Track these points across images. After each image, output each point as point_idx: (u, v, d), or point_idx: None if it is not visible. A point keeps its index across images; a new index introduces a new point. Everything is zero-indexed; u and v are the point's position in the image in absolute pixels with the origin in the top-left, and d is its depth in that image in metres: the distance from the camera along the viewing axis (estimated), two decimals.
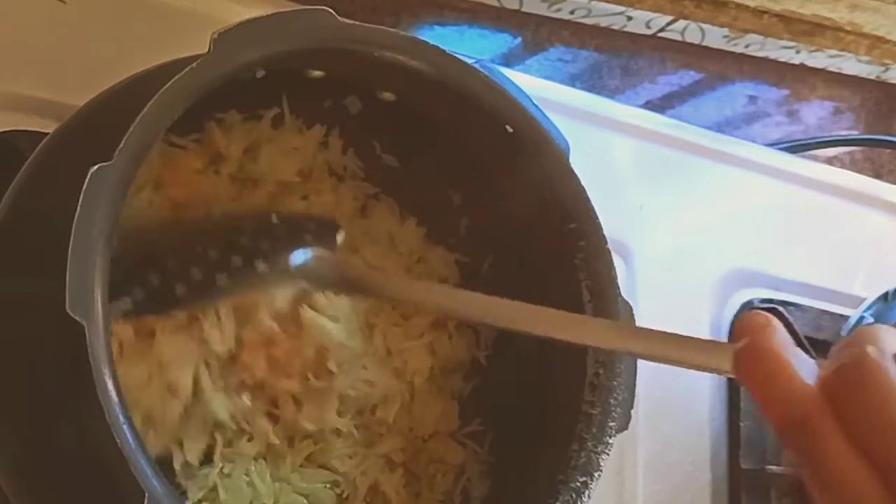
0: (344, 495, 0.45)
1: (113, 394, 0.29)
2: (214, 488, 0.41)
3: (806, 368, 0.29)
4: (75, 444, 0.36)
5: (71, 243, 0.29)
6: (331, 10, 0.38)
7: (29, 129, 0.45)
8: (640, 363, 0.44)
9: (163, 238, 0.41)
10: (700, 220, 0.66)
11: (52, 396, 0.35)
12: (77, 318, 0.28)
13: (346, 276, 0.41)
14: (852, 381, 0.28)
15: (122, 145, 0.31)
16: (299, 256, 0.41)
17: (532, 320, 0.36)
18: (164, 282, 0.38)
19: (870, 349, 0.28)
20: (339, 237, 0.43)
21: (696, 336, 0.31)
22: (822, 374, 0.29)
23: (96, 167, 0.30)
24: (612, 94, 0.71)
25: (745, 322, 0.30)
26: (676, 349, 0.32)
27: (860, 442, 0.27)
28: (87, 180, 0.30)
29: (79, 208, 0.29)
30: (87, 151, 0.31)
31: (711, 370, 0.31)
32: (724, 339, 0.64)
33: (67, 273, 0.29)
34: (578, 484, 0.39)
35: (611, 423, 0.41)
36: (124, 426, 0.29)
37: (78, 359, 0.29)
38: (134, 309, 0.37)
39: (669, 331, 0.32)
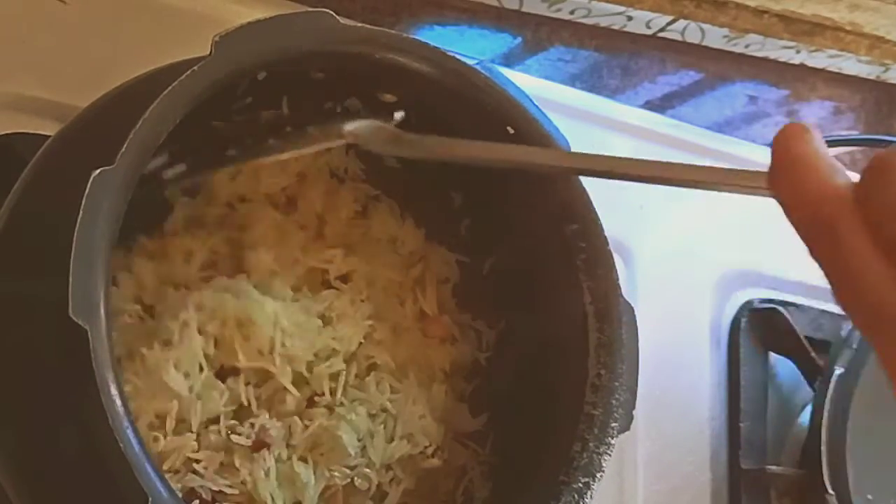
0: None
1: (116, 398, 0.29)
2: None
3: (841, 174, 0.28)
4: (76, 444, 0.36)
5: (73, 248, 0.29)
6: (331, 13, 0.38)
7: (28, 131, 0.45)
8: (641, 363, 0.44)
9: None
10: (700, 220, 0.66)
11: (53, 397, 0.35)
12: (80, 323, 0.28)
13: (392, 136, 0.41)
14: (878, 177, 0.27)
15: (123, 149, 0.31)
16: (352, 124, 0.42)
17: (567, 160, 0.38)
18: (218, 148, 0.41)
19: None
20: (398, 115, 0.43)
21: None
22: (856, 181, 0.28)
23: (98, 171, 0.30)
24: (612, 94, 0.70)
25: (781, 131, 0.29)
26: (720, 177, 0.32)
27: (883, 240, 0.26)
28: (88, 184, 0.30)
29: (81, 212, 0.29)
30: (89, 155, 0.31)
31: (751, 192, 0.31)
32: (724, 336, 0.65)
33: (70, 278, 0.29)
34: (580, 484, 0.39)
35: (613, 424, 0.41)
36: (128, 430, 0.29)
37: (79, 361, 0.29)
38: (188, 172, 0.40)
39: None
